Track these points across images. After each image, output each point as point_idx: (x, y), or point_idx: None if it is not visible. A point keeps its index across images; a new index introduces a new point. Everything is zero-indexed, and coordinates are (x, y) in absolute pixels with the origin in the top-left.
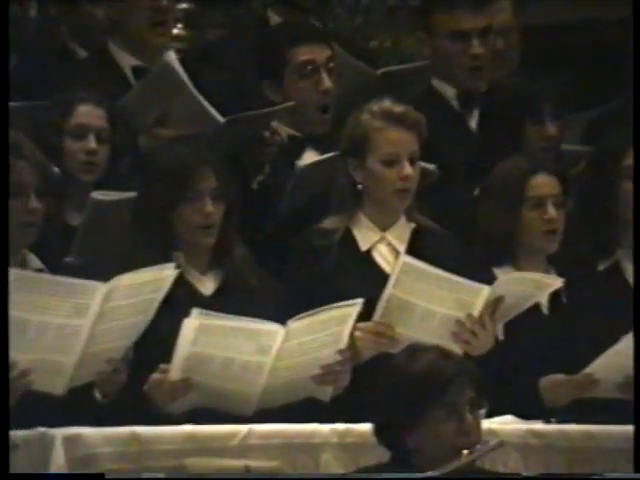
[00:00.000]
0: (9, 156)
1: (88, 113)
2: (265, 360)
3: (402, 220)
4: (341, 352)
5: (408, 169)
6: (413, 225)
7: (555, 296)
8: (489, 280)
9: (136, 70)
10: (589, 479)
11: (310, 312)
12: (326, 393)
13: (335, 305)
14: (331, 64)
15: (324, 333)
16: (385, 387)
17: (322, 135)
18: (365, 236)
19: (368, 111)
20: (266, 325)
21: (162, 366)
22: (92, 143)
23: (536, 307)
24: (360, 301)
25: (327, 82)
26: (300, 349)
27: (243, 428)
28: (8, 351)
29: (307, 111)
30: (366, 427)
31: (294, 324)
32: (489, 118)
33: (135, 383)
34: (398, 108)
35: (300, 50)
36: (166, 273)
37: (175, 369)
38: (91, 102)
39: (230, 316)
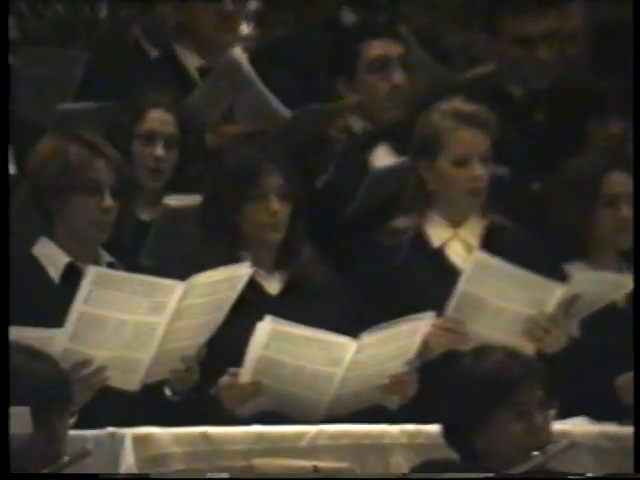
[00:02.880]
0: (89, 154)
1: (158, 119)
2: (336, 371)
3: (475, 217)
4: (410, 362)
5: (479, 169)
6: (486, 222)
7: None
8: (560, 277)
9: (202, 70)
10: (589, 479)
11: (383, 325)
12: (393, 402)
13: (407, 318)
14: (403, 60)
15: (395, 345)
16: (453, 388)
17: (394, 131)
18: (437, 233)
19: (438, 111)
20: (339, 338)
21: (232, 369)
22: (160, 150)
23: (612, 303)
24: (432, 314)
25: (398, 77)
26: (370, 361)
27: (312, 429)
28: (8, 351)
29: (377, 106)
30: (436, 428)
31: (367, 338)
32: (553, 116)
33: (203, 383)
34: (469, 107)
35: (372, 45)
36: (241, 271)
37: (246, 372)
38: (161, 107)
39: (302, 325)
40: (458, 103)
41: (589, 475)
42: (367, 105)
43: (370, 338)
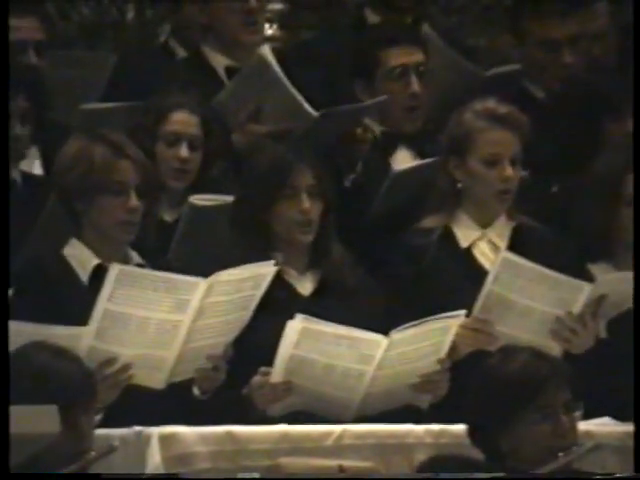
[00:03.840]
0: (113, 155)
1: (182, 120)
2: (367, 369)
3: (503, 218)
4: (441, 361)
5: (509, 170)
6: (514, 223)
7: None
8: (586, 278)
9: (230, 70)
10: (589, 479)
11: (413, 323)
12: (424, 401)
13: (438, 316)
14: (421, 67)
15: (426, 343)
16: (479, 388)
17: (414, 133)
18: (465, 233)
19: (471, 110)
20: (369, 335)
21: (263, 369)
22: (184, 151)
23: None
24: (463, 312)
25: (416, 85)
26: (401, 359)
27: (337, 428)
28: (8, 351)
29: (395, 112)
30: (461, 428)
31: (397, 335)
32: (569, 114)
33: (233, 382)
34: (502, 109)
35: (392, 52)
36: (265, 270)
37: (277, 371)
38: (186, 108)
39: (333, 323)
40: (492, 104)
41: (591, 475)
42: (386, 113)
43: (400, 335)
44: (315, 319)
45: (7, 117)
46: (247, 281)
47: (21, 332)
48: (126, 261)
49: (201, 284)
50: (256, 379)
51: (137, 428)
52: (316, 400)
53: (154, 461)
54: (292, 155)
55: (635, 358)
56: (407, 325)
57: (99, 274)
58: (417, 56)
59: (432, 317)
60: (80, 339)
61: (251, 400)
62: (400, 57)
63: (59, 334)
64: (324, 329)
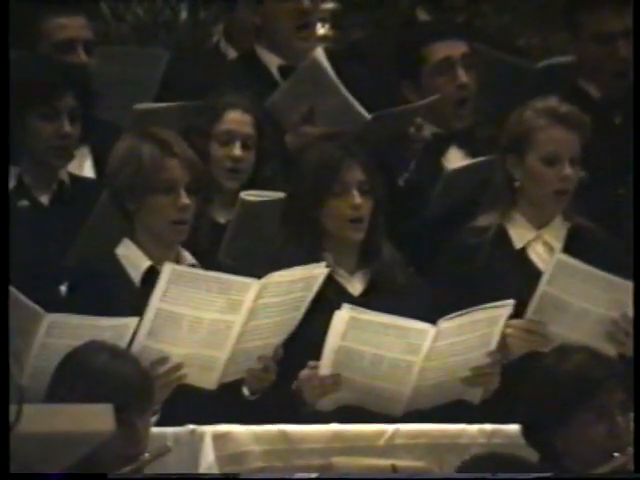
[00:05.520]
0: (161, 154)
1: (236, 120)
2: (414, 359)
3: (559, 219)
4: (491, 354)
5: (568, 170)
6: (570, 224)
7: None
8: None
9: (282, 69)
10: (589, 479)
11: (460, 312)
12: (476, 395)
13: (486, 306)
14: (468, 59)
15: (474, 334)
16: (534, 388)
17: (465, 132)
18: (520, 234)
19: (532, 108)
20: (416, 324)
21: (311, 363)
22: (238, 150)
23: None
24: (511, 302)
25: (463, 77)
26: (450, 350)
27: (390, 428)
28: (8, 351)
29: (445, 107)
30: (514, 428)
31: (444, 324)
32: (631, 117)
33: (284, 382)
34: (564, 108)
35: (435, 47)
36: (317, 271)
37: (325, 363)
38: (239, 108)
39: (380, 313)
40: (553, 102)
41: (591, 475)
42: (436, 110)
43: (448, 324)
44: (362, 309)
45: (7, 117)
46: (299, 282)
47: (68, 325)
48: (179, 262)
49: (254, 285)
50: (304, 373)
51: (190, 427)
52: (365, 394)
53: (207, 460)
54: (342, 151)
55: (635, 358)
56: (454, 314)
57: (151, 276)
58: (461, 48)
59: (479, 306)
60: (128, 330)
61: (300, 395)
62: (443, 50)
63: (111, 325)
64: (371, 318)
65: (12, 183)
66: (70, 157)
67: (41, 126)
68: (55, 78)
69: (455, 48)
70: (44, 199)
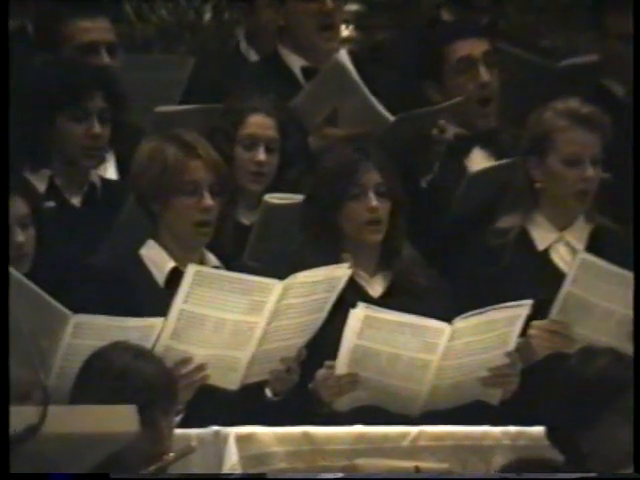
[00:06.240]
0: (184, 155)
1: (259, 123)
2: (431, 358)
3: (581, 220)
4: (510, 354)
5: (590, 171)
6: (592, 225)
7: None
8: None
9: (305, 70)
10: (588, 479)
11: (477, 311)
12: (494, 397)
13: (503, 305)
14: (489, 58)
15: (492, 334)
16: (559, 390)
17: (489, 132)
18: (542, 236)
19: (552, 109)
20: (432, 322)
21: (328, 362)
22: (262, 155)
23: None
24: (529, 302)
25: (485, 75)
26: (467, 349)
27: (414, 429)
28: (8, 352)
29: (468, 107)
30: (539, 430)
31: (460, 323)
32: None
33: (305, 383)
34: (585, 109)
35: (456, 46)
36: (340, 272)
37: (341, 362)
38: (262, 112)
39: (394, 312)
40: (574, 103)
41: (590, 475)
42: (460, 108)
43: (464, 323)
44: (377, 307)
45: (7, 117)
46: (321, 283)
47: (94, 325)
48: (203, 263)
49: (277, 286)
50: (321, 372)
51: (214, 428)
52: (382, 393)
53: (231, 461)
54: (359, 154)
55: (635, 357)
56: (470, 313)
57: (175, 276)
58: (482, 46)
59: (496, 306)
60: (154, 331)
61: (318, 394)
62: (464, 48)
63: (133, 326)
64: (387, 317)
65: (43, 185)
66: (101, 158)
67: (71, 127)
68: (85, 79)
69: (476, 46)
70: (76, 201)
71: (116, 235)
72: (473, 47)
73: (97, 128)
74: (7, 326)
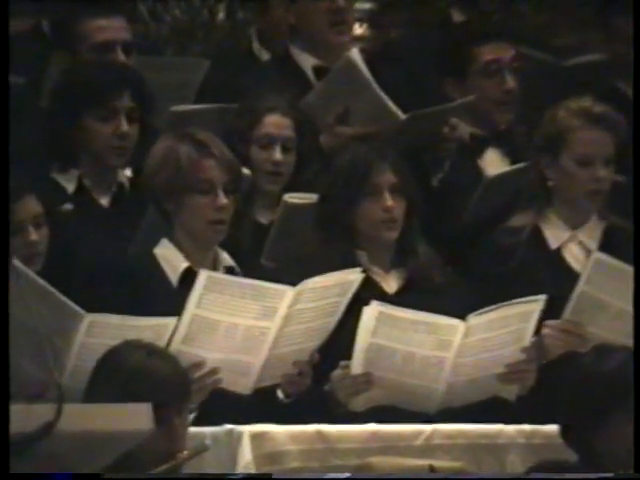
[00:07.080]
0: (198, 154)
1: (275, 123)
2: (446, 355)
3: (594, 219)
4: (526, 350)
5: (602, 170)
6: (605, 224)
7: None
8: None
9: (317, 70)
10: (588, 479)
11: (491, 307)
12: (511, 393)
13: (517, 301)
14: (515, 64)
15: (506, 330)
16: (573, 388)
17: (503, 132)
18: (555, 234)
19: (566, 108)
20: (445, 319)
21: (343, 362)
22: (278, 154)
23: None
24: (543, 297)
25: (511, 82)
26: (482, 346)
27: (427, 428)
28: (8, 352)
29: (489, 109)
30: (553, 428)
31: (474, 320)
32: None
33: (319, 383)
34: (598, 108)
35: (485, 49)
36: (352, 277)
37: (356, 362)
38: (278, 111)
39: (407, 309)
40: (587, 102)
41: (590, 475)
42: (478, 108)
43: (478, 320)
44: (390, 305)
45: (7, 117)
46: (333, 288)
47: (108, 324)
48: (217, 263)
49: (288, 292)
50: (336, 372)
51: (228, 426)
52: (398, 392)
53: (245, 459)
54: (373, 154)
55: (635, 356)
56: (484, 310)
57: (189, 276)
58: (509, 52)
59: (510, 302)
60: (167, 330)
61: (334, 395)
62: (494, 52)
63: (147, 325)
64: (401, 314)
65: (72, 186)
66: (129, 158)
67: (99, 127)
68: (113, 78)
69: (504, 51)
70: (104, 201)
71: (141, 235)
72: (501, 52)
73: (125, 127)
74: (7, 325)
